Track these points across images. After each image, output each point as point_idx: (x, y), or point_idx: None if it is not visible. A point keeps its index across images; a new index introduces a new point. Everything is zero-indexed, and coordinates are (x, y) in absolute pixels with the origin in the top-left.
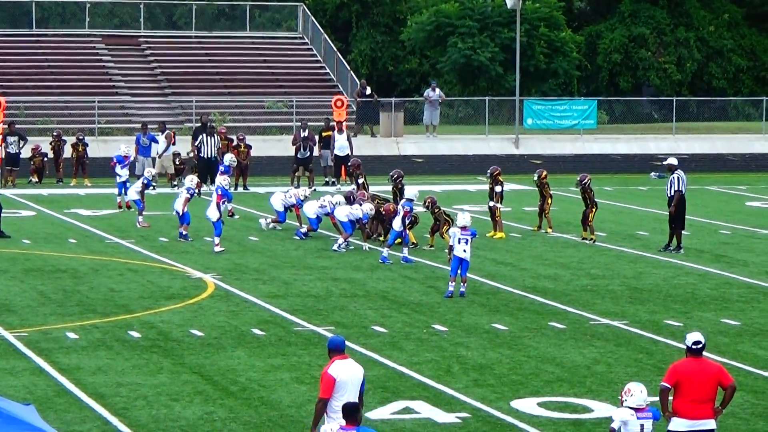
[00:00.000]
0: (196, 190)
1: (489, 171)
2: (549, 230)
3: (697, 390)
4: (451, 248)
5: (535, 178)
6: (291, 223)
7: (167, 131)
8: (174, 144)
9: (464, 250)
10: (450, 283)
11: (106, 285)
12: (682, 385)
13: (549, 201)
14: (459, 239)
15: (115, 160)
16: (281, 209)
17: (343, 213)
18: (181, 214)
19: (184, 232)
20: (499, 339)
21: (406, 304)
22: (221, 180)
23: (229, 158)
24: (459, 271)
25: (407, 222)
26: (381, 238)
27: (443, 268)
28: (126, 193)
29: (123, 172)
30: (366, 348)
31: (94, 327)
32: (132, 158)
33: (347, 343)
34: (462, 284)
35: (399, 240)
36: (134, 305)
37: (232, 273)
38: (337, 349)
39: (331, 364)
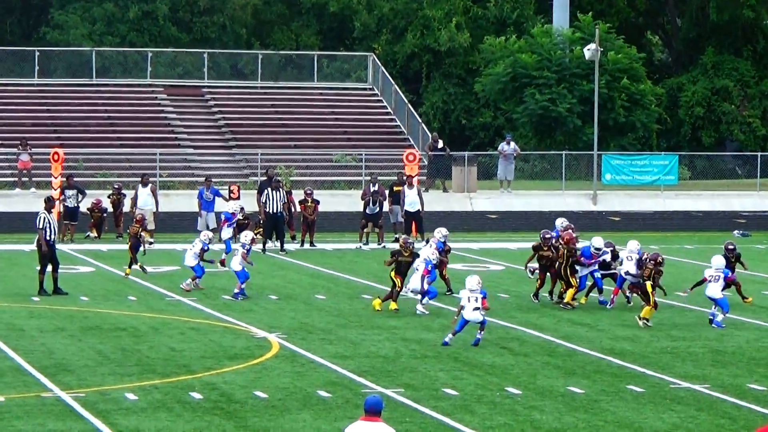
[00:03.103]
0: (250, 246)
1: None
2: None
3: None
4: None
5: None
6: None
7: (150, 184)
8: (238, 198)
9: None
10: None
11: (166, 344)
12: None
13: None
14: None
15: (224, 217)
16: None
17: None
18: (236, 271)
19: (236, 291)
20: (575, 402)
21: (478, 366)
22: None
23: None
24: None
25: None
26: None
27: (517, 329)
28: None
29: (228, 231)
30: (437, 411)
31: (153, 388)
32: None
33: (417, 406)
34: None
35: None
36: (196, 365)
37: (298, 332)
38: (367, 410)
39: (353, 424)
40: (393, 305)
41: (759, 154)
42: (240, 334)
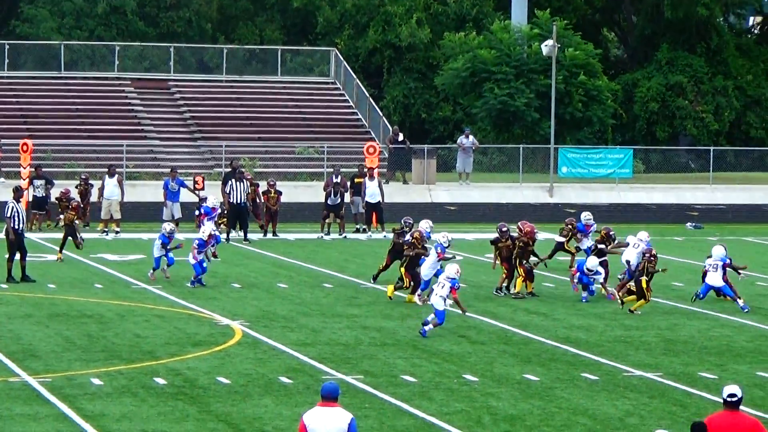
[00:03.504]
0: (203, 241)
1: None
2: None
3: None
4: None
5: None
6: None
7: (117, 175)
8: (203, 189)
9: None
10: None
11: (131, 331)
12: None
13: None
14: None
15: (203, 211)
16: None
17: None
18: (192, 263)
19: (194, 279)
20: (530, 390)
21: (436, 354)
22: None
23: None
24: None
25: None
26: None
27: (474, 318)
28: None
29: (209, 225)
30: (395, 398)
31: (119, 373)
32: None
33: (376, 392)
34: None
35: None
36: (160, 352)
37: (260, 320)
38: (324, 396)
39: (311, 409)
40: (411, 298)
41: (711, 148)
42: (204, 322)
